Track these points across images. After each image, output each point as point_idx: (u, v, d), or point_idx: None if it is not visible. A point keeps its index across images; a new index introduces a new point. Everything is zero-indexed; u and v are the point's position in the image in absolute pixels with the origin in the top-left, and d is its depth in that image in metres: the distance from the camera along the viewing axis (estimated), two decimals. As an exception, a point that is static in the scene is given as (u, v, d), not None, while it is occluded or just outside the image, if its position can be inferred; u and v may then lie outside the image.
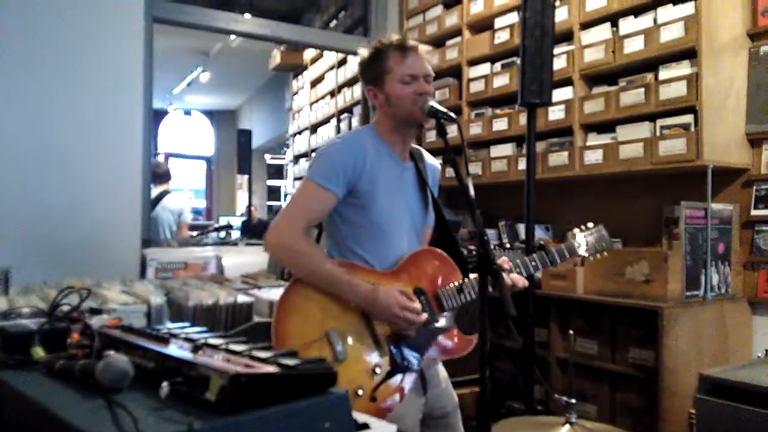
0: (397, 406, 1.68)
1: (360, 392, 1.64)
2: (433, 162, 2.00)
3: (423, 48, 1.82)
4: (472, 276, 1.76)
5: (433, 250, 1.84)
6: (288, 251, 1.71)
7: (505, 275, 1.74)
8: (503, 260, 1.84)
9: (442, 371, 1.93)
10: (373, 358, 1.68)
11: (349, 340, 1.67)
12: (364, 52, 1.88)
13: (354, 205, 1.77)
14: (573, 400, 1.99)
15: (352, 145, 1.77)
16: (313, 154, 1.83)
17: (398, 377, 1.69)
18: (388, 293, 1.67)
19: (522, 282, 1.84)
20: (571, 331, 2.23)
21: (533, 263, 1.89)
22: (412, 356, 1.71)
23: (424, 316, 1.72)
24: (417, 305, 1.70)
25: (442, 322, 1.78)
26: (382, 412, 1.63)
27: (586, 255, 2.00)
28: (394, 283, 1.74)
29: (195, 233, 5.43)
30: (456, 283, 1.78)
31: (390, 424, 1.14)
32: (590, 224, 2.04)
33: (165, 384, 0.89)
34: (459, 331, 1.82)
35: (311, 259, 1.68)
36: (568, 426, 1.94)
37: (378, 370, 1.67)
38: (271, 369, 0.92)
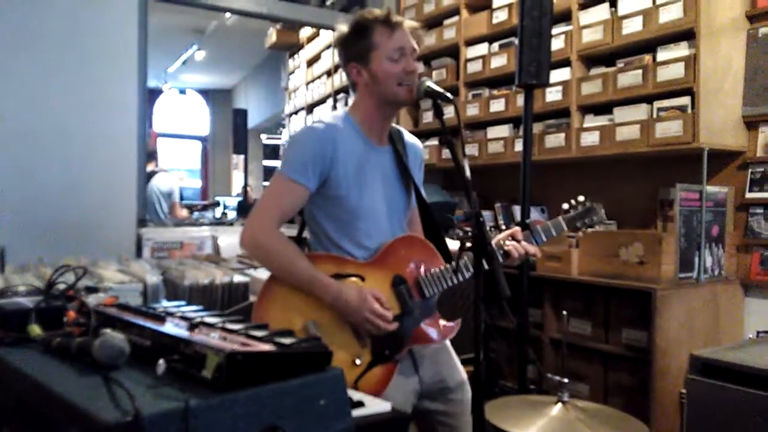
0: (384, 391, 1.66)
1: None
2: (414, 142, 1.93)
3: (409, 23, 1.77)
4: (465, 256, 1.73)
5: (413, 236, 1.80)
6: (261, 251, 1.67)
7: (515, 245, 1.75)
8: (516, 230, 1.78)
9: (446, 348, 1.88)
10: (354, 349, 1.65)
11: (328, 332, 1.62)
12: (344, 26, 1.79)
13: (330, 197, 1.72)
14: (566, 380, 2.01)
15: (321, 135, 1.69)
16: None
17: (380, 366, 1.67)
18: (360, 296, 1.62)
19: (533, 249, 1.80)
20: (564, 312, 2.25)
21: None
22: (392, 347, 1.68)
23: (394, 325, 1.66)
24: (388, 313, 1.64)
25: (423, 311, 1.74)
26: None
27: (573, 230, 1.93)
28: (375, 273, 1.69)
29: (185, 212, 5.43)
30: (437, 269, 1.73)
31: (384, 401, 1.15)
32: (581, 198, 1.95)
33: (161, 361, 0.90)
34: (442, 318, 1.77)
35: (284, 258, 1.64)
36: (560, 405, 1.97)
37: (358, 362, 1.64)
38: (266, 347, 0.93)
